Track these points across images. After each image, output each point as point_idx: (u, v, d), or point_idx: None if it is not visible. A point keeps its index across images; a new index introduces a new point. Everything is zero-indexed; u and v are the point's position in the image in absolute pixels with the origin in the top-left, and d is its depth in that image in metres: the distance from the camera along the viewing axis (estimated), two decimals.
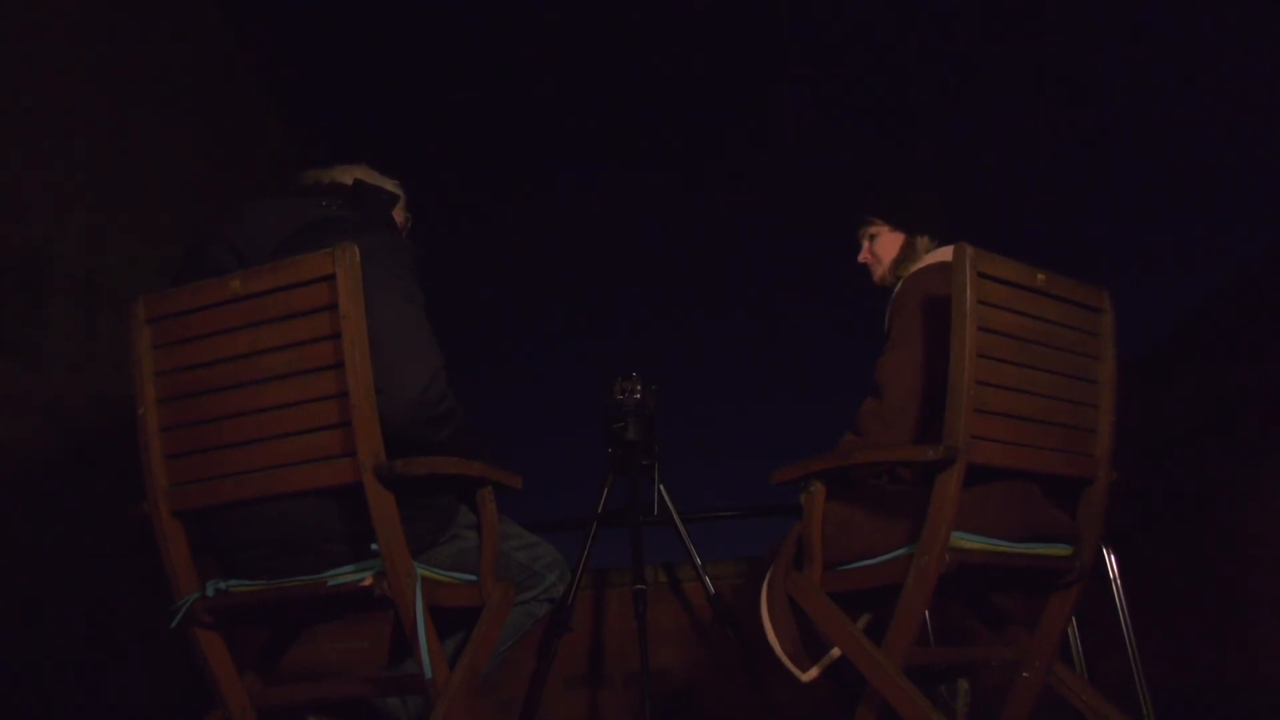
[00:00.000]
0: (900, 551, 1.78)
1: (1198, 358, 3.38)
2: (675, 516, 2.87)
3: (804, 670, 1.94)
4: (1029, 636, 1.95)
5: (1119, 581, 2.60)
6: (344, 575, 1.61)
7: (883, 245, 2.23)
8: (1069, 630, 2.51)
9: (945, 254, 2.05)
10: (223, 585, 1.69)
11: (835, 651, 1.91)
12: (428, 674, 1.58)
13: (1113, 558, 2.61)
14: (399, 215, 1.98)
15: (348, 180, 1.89)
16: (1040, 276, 1.80)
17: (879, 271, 2.24)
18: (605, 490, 2.89)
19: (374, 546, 1.56)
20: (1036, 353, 1.81)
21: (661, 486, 2.86)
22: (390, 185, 1.97)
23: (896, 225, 2.22)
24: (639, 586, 2.74)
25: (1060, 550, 1.90)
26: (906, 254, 2.19)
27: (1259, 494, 2.90)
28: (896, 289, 2.07)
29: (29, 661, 2.58)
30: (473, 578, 1.76)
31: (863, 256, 2.27)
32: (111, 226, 3.20)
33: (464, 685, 1.63)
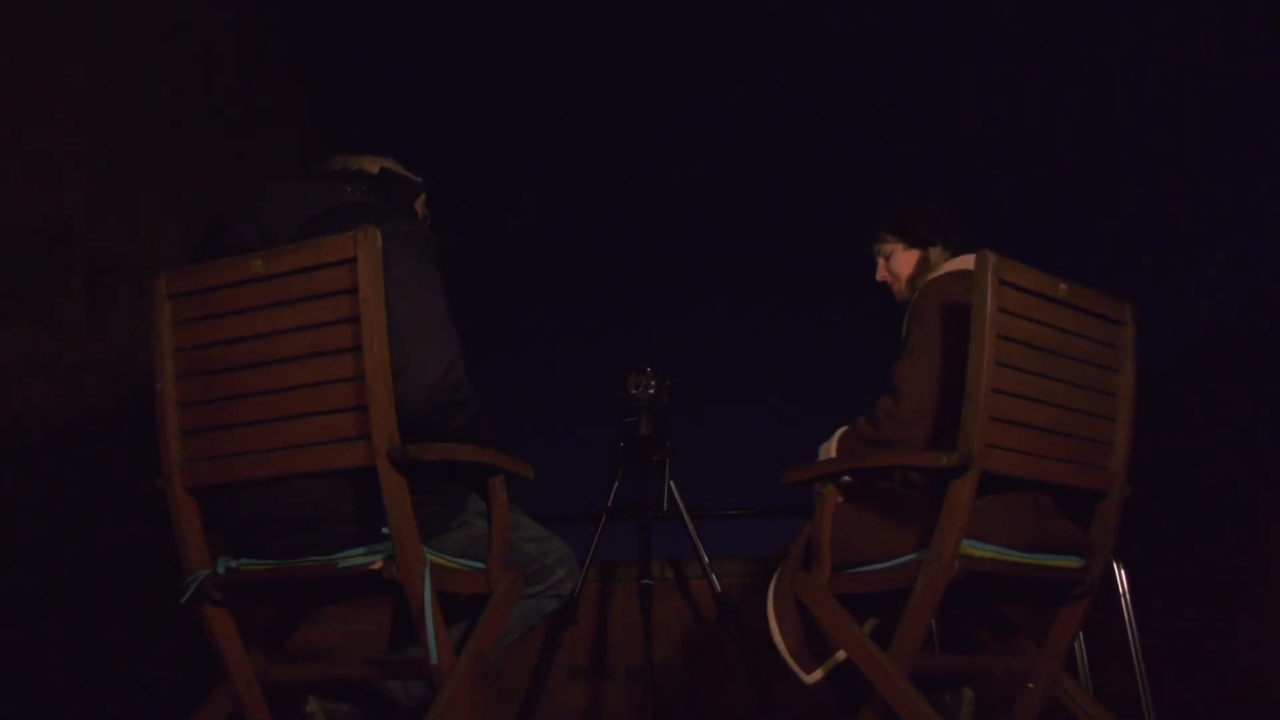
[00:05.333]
0: (909, 557, 1.77)
1: (1215, 375, 3.35)
2: (684, 513, 2.87)
3: (808, 671, 1.94)
4: (1036, 647, 1.94)
5: (1128, 596, 2.58)
6: (354, 557, 1.62)
7: (899, 262, 2.24)
8: (1075, 643, 2.50)
9: (962, 262, 2.06)
10: (233, 563, 1.71)
11: (840, 654, 1.91)
12: (433, 659, 1.59)
13: (1123, 572, 2.59)
14: (419, 208, 1.99)
15: (374, 168, 1.91)
16: (1062, 286, 1.79)
17: (898, 288, 2.25)
18: (615, 484, 2.89)
19: (385, 530, 1.56)
20: (1055, 363, 1.80)
21: (671, 482, 2.86)
22: (412, 179, 1.98)
23: (911, 242, 2.22)
24: (645, 581, 2.74)
25: (1070, 562, 1.89)
26: (923, 268, 2.19)
27: (1272, 514, 2.88)
28: (915, 296, 2.07)
29: (39, 630, 2.61)
30: (481, 565, 1.76)
31: (881, 275, 2.28)
32: (136, 201, 3.22)
33: (468, 672, 1.64)
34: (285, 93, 4.55)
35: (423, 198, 2.00)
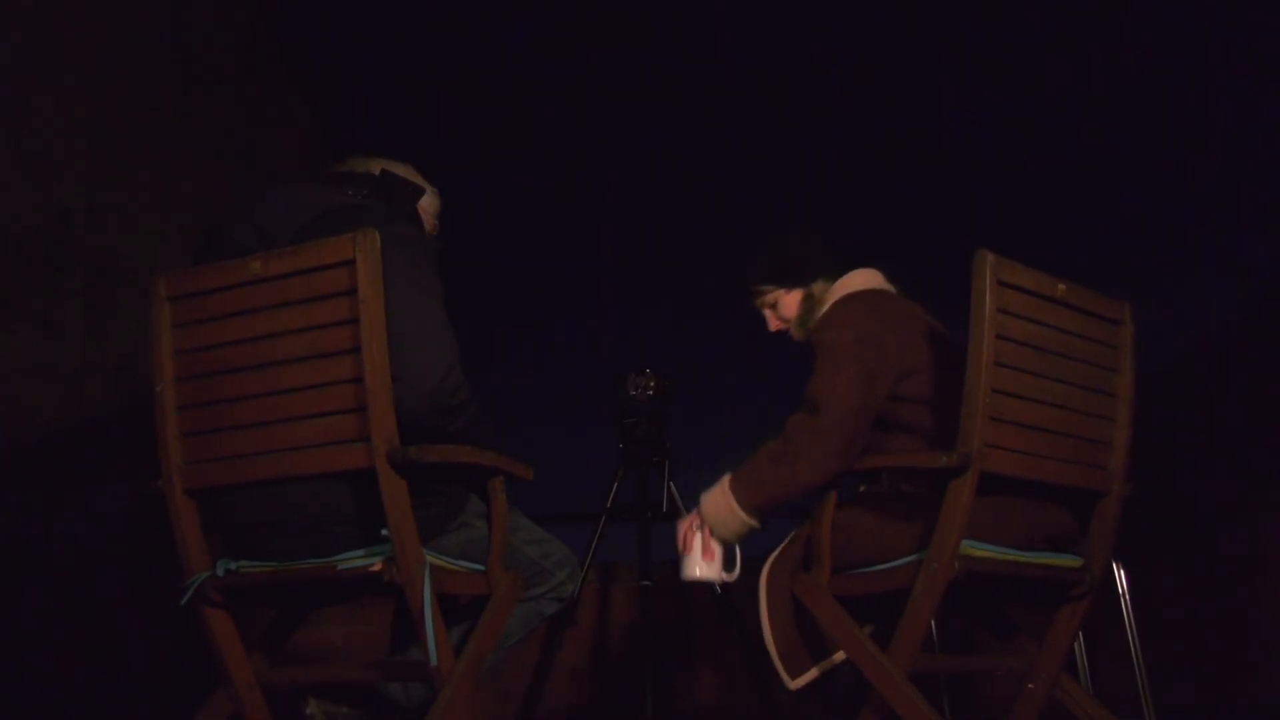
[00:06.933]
0: (910, 558, 1.78)
1: (1215, 375, 3.35)
2: (684, 513, 2.87)
3: (794, 676, 1.95)
4: (1036, 647, 1.94)
5: (1128, 596, 2.58)
6: (354, 559, 1.62)
7: (785, 307, 2.18)
8: (1075, 643, 2.50)
9: (845, 285, 2.08)
10: (233, 565, 1.71)
11: (838, 655, 1.92)
12: (433, 660, 1.59)
13: (1123, 572, 2.59)
14: (429, 218, 1.98)
15: (375, 171, 1.90)
16: (1060, 286, 1.79)
17: (794, 328, 2.18)
18: (615, 485, 2.90)
19: (384, 532, 1.57)
20: (1054, 363, 1.80)
21: (671, 483, 2.86)
22: (423, 184, 1.98)
23: (789, 284, 2.16)
24: (645, 582, 2.74)
25: (1070, 561, 1.90)
26: (809, 305, 2.14)
27: (1271, 514, 2.88)
28: (812, 333, 2.05)
29: (39, 632, 2.61)
30: (481, 567, 1.76)
31: (773, 326, 2.22)
32: (135, 203, 3.22)
33: (468, 673, 1.64)
34: (284, 93, 4.55)
35: (435, 202, 2.00)
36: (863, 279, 2.11)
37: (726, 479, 1.95)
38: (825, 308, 2.08)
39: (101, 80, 3.12)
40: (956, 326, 1.81)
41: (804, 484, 1.86)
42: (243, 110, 4.09)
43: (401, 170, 1.93)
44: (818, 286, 2.14)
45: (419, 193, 1.93)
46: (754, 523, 1.93)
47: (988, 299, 1.67)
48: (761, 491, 1.91)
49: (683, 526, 2.01)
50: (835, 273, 2.14)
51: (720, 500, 1.94)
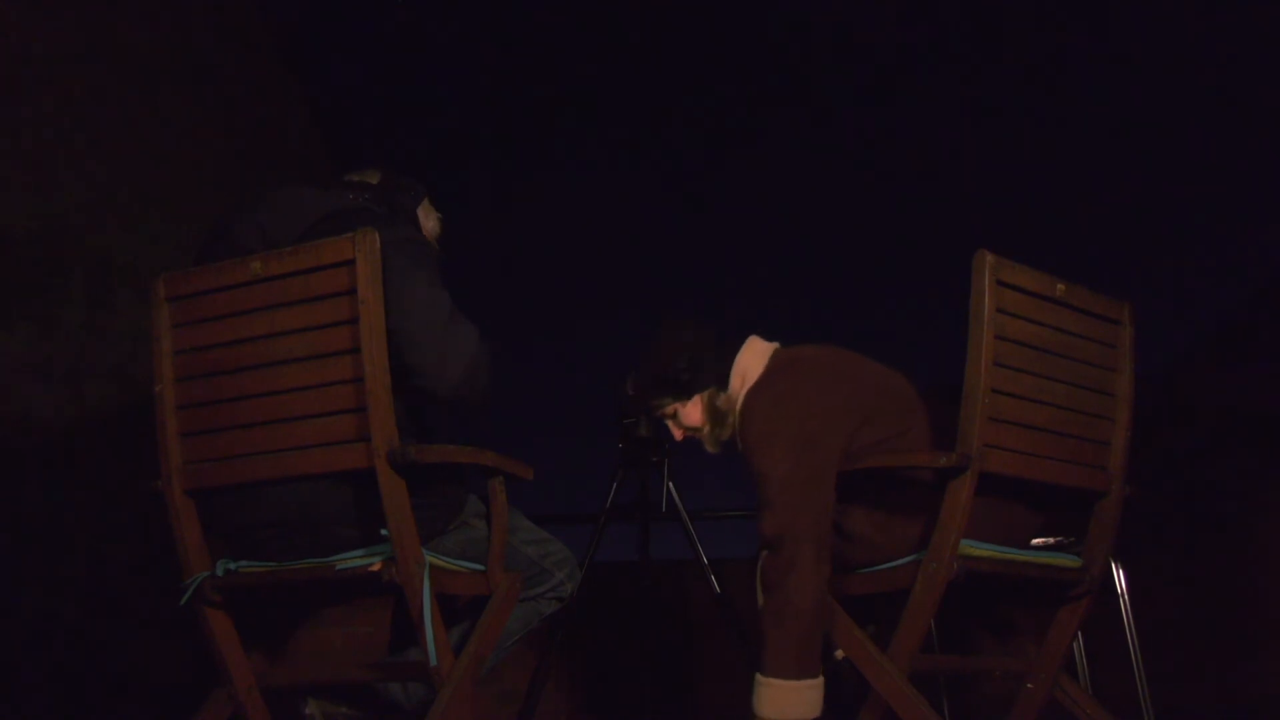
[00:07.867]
0: (909, 558, 1.78)
1: (1215, 375, 3.35)
2: (683, 514, 2.87)
3: None
4: (1035, 648, 1.95)
5: (1127, 596, 2.58)
6: (353, 560, 1.62)
7: (687, 416, 2.10)
8: (1075, 643, 2.51)
9: (740, 379, 2.00)
10: (233, 565, 1.71)
11: (838, 654, 1.92)
12: (433, 661, 1.59)
13: (1122, 572, 2.59)
14: (430, 237, 1.98)
15: (375, 179, 1.91)
16: (1060, 286, 1.79)
17: (706, 440, 2.11)
18: (614, 485, 2.90)
19: (384, 532, 1.57)
20: (1053, 363, 1.81)
21: (671, 483, 2.86)
22: (424, 192, 1.98)
23: (684, 395, 2.09)
24: (645, 582, 2.74)
25: (1070, 561, 1.90)
26: (713, 411, 2.06)
27: (1272, 514, 2.88)
28: (739, 447, 1.99)
29: (39, 632, 2.61)
30: (480, 566, 1.77)
31: (678, 436, 2.15)
32: (135, 204, 3.22)
33: (468, 674, 1.64)
34: (283, 95, 4.55)
35: (437, 227, 2.00)
36: (751, 362, 2.02)
37: (758, 678, 1.81)
38: (734, 416, 1.99)
39: (101, 81, 3.12)
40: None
41: (813, 603, 1.78)
42: (243, 110, 4.09)
43: (392, 174, 1.93)
44: (711, 394, 2.05)
45: (421, 195, 1.94)
46: (816, 680, 1.79)
47: (987, 299, 1.67)
48: (794, 649, 1.78)
49: None
50: (721, 368, 2.04)
51: (773, 695, 1.78)
